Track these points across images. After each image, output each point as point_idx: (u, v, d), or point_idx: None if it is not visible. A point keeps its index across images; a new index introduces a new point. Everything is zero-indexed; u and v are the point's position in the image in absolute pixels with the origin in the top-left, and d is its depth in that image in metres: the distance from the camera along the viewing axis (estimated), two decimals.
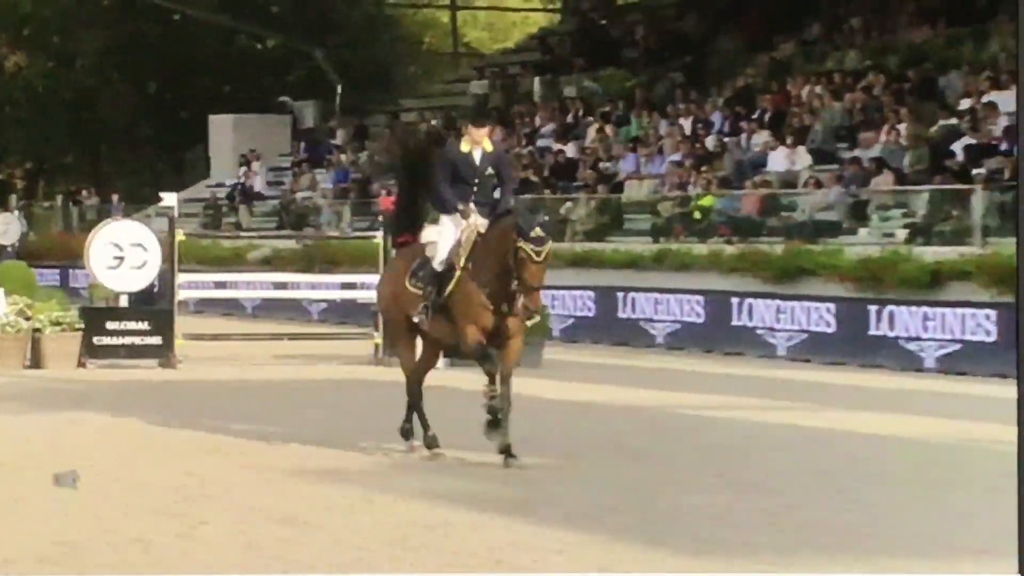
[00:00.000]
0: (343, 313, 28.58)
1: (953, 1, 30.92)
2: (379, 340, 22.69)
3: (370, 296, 24.00)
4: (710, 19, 36.46)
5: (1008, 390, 19.11)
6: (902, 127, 27.04)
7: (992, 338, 21.16)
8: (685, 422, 16.53)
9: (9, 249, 39.18)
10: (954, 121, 26.69)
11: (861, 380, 20.78)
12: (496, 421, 12.80)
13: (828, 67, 31.40)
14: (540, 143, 34.96)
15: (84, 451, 13.23)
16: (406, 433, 13.63)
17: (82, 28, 50.19)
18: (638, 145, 32.00)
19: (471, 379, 14.31)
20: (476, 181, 13.02)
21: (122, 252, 22.10)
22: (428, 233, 13.43)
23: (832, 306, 23.39)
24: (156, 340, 21.63)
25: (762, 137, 29.51)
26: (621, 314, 26.72)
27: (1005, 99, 26.24)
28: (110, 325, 21.65)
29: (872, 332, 22.64)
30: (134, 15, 48.91)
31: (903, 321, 22.26)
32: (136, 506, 10.77)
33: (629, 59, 37.44)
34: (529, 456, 13.49)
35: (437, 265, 13.03)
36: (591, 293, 27.34)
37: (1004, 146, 24.99)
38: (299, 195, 39.35)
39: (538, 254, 12.41)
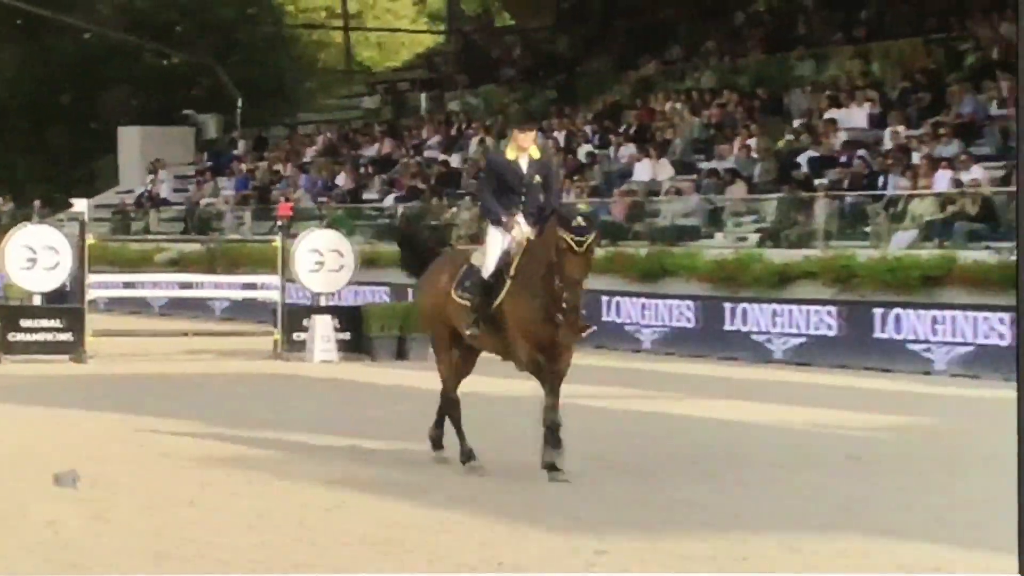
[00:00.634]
0: (244, 311, 28.32)
1: (795, 28, 31.29)
2: (278, 336, 22.59)
3: (269, 295, 24.05)
4: (580, 41, 36.62)
5: (849, 380, 19.54)
6: (753, 141, 27.30)
7: (834, 332, 21.45)
8: (567, 411, 16.49)
9: None
10: (801, 136, 27.04)
11: (719, 371, 20.97)
12: (557, 437, 11.35)
13: (687, 86, 31.64)
14: (427, 154, 34.90)
15: None
16: (436, 440, 12.33)
17: None
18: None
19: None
20: (523, 190, 11.46)
21: (35, 254, 21.79)
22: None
23: (692, 303, 23.57)
24: (68, 337, 21.41)
25: (628, 149, 29.66)
26: None
27: (843, 116, 26.66)
28: (24, 323, 21.40)
29: (728, 327, 22.85)
30: (48, 33, 48.20)
31: (755, 317, 22.50)
32: (49, 492, 10.60)
33: (507, 77, 37.51)
34: (417, 443, 13.45)
35: (486, 275, 11.50)
36: None
37: (843, 158, 25.35)
38: (203, 201, 38.95)
39: (580, 244, 10.72)
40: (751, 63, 31.05)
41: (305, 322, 22.50)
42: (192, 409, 15.70)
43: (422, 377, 19.85)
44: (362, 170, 35.51)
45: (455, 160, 33.70)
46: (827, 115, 26.86)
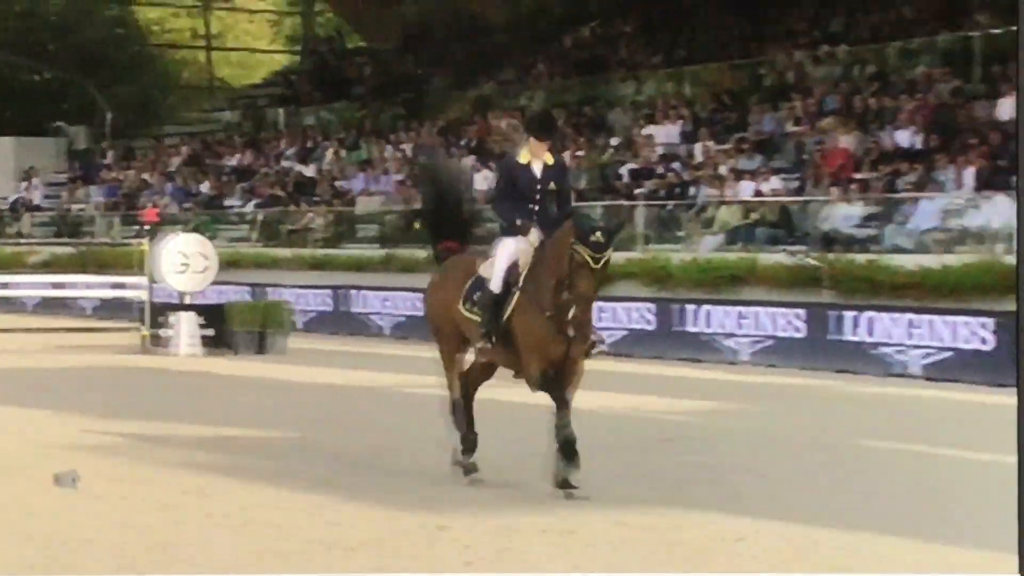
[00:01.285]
0: (114, 310, 27.89)
1: (617, 52, 31.61)
2: (146, 333, 22.31)
3: (136, 294, 23.74)
4: (424, 62, 36.58)
5: (663, 369, 19.78)
6: (580, 154, 27.54)
7: (651, 327, 21.74)
8: (410, 399, 16.54)
9: None
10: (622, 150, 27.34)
11: None
12: (573, 452, 9.93)
13: (520, 104, 31.74)
14: (284, 164, 34.62)
15: None
16: (467, 446, 10.75)
17: None
18: (367, 166, 31.96)
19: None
20: (537, 196, 10.12)
21: None
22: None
23: None
24: None
25: (468, 161, 29.71)
26: (354, 309, 26.66)
27: (658, 132, 27.00)
28: None
29: None
30: None
31: None
32: None
33: (358, 94, 37.33)
34: (277, 431, 13.42)
35: (494, 287, 10.08)
36: (328, 291, 27.23)
37: (659, 170, 25.69)
38: (74, 207, 38.24)
39: (596, 260, 9.38)
40: (577, 84, 31.28)
41: (171, 319, 22.26)
42: (63, 401, 15.41)
43: (281, 369, 19.87)
44: (223, 179, 35.12)
45: (310, 170, 33.49)
46: (644, 131, 27.20)
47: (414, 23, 37.93)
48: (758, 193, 23.11)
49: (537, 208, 10.09)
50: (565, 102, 30.55)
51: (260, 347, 22.32)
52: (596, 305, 22.92)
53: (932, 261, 19.45)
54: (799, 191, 22.91)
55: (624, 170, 26.29)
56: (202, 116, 43.89)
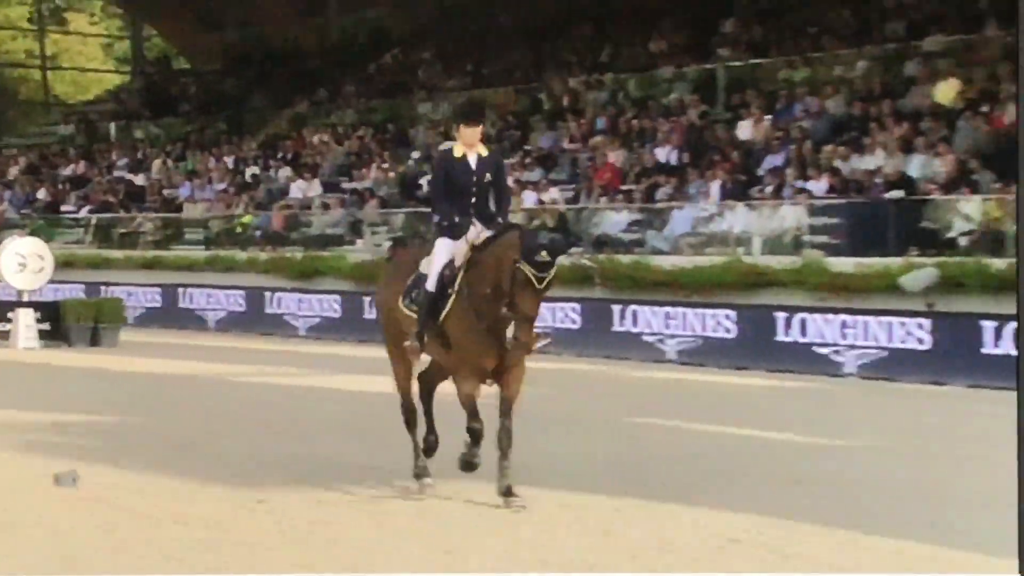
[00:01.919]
0: None
1: (416, 76, 31.75)
2: (6, 328, 21.80)
3: None
4: (244, 83, 36.15)
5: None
6: (385, 166, 27.61)
7: None
8: (236, 386, 16.44)
9: None
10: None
11: (359, 352, 20.86)
12: (471, 467, 8.93)
13: (332, 121, 31.65)
14: (116, 174, 33.83)
15: None
16: (426, 449, 9.39)
17: None
18: (193, 176, 31.47)
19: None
20: (474, 190, 8.80)
21: None
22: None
23: (338, 297, 23.75)
24: None
25: (286, 172, 29.53)
26: (181, 305, 26.28)
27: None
28: None
29: (366, 316, 22.96)
30: None
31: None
32: None
33: (184, 111, 36.71)
34: (111, 416, 13.20)
35: (430, 286, 8.79)
36: (158, 289, 26.79)
37: None
38: None
39: (540, 280, 8.15)
40: (381, 104, 31.29)
41: (10, 315, 21.77)
42: None
43: (113, 360, 19.53)
44: (60, 187, 34.17)
45: (140, 179, 32.90)
46: (441, 147, 27.29)
47: (235, 48, 37.49)
48: (540, 202, 23.52)
49: (475, 201, 8.83)
50: (371, 120, 30.59)
51: (94, 340, 21.97)
52: (360, 299, 21.99)
53: (686, 262, 19.99)
54: (575, 200, 23.40)
55: (424, 180, 26.37)
56: (40, 130, 42.56)
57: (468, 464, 8.90)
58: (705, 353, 18.31)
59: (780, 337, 17.53)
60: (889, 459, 10.86)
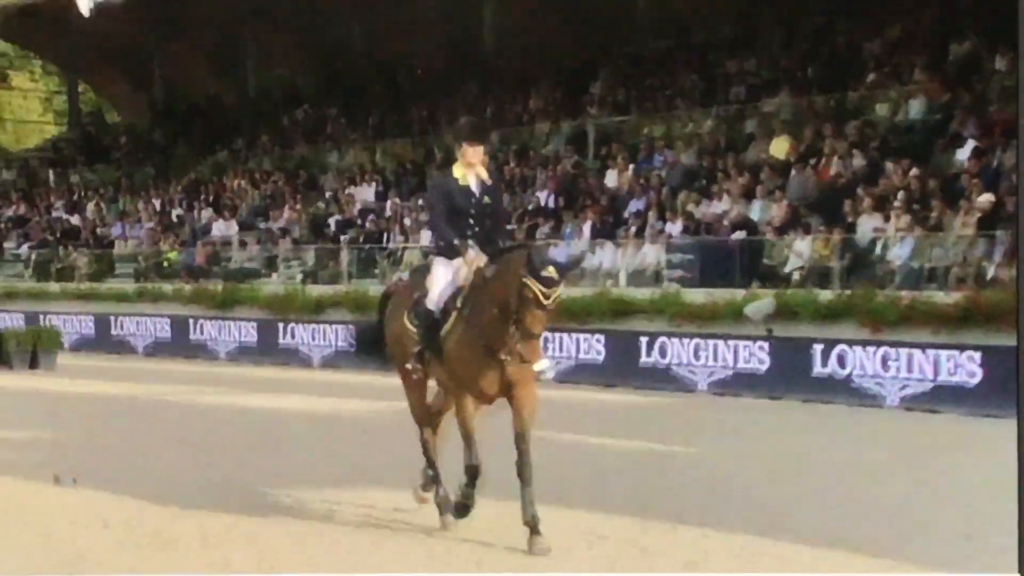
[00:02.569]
0: None
1: (325, 128, 31.65)
2: None
3: None
4: (170, 133, 35.68)
5: (366, 379, 19.80)
6: (297, 207, 27.45)
7: (355, 347, 21.74)
8: (160, 405, 16.23)
9: None
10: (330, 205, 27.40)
11: (274, 374, 20.77)
12: (465, 510, 7.77)
13: (250, 167, 31.39)
14: (54, 214, 33.12)
15: None
16: (426, 481, 8.31)
17: None
18: (124, 217, 30.97)
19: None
20: (473, 212, 7.65)
21: None
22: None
23: (255, 324, 23.54)
24: None
25: (208, 213, 29.21)
26: (114, 332, 25.83)
27: (358, 191, 27.15)
28: None
29: (281, 341, 22.82)
30: None
31: (300, 334, 22.60)
32: None
33: (115, 158, 36.11)
34: (57, 431, 12.93)
35: (431, 305, 7.65)
36: (92, 318, 26.30)
37: (359, 221, 25.83)
38: None
39: (547, 296, 7.11)
40: (295, 152, 31.17)
41: None
42: None
43: (51, 382, 19.13)
44: (2, 226, 33.38)
45: (76, 219, 32.29)
46: (348, 191, 27.32)
47: (161, 103, 37.08)
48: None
49: (473, 224, 7.66)
50: (284, 167, 30.40)
51: (33, 364, 21.50)
52: (309, 327, 22.12)
53: (562, 293, 20.14)
54: None
55: (332, 221, 26.35)
56: None
57: (462, 507, 7.72)
58: (578, 373, 18.39)
59: (643, 359, 17.80)
60: (733, 463, 11.12)
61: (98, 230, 30.94)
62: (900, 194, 17.75)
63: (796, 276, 17.89)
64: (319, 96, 33.11)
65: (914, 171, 18.11)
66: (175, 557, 7.43)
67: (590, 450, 11.90)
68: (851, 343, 15.61)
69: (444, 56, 30.27)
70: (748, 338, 16.81)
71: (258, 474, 10.35)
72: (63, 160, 37.56)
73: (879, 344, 15.39)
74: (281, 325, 22.98)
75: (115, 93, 39.65)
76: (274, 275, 25.54)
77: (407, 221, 24.58)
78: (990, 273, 15.92)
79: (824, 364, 15.80)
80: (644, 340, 17.81)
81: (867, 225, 17.71)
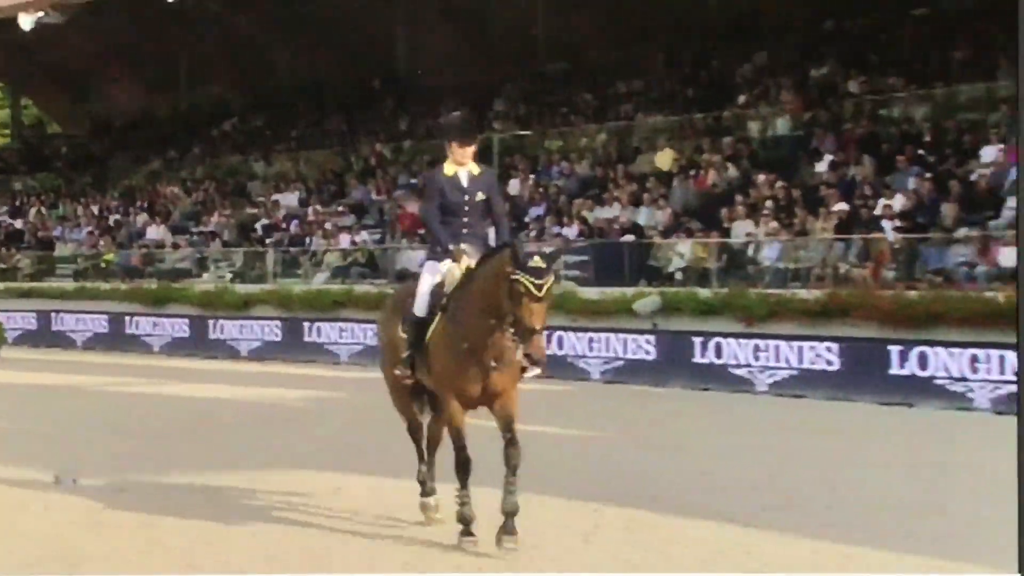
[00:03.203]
0: None
1: (254, 140, 31.20)
2: None
3: None
4: (108, 144, 34.87)
5: (290, 368, 19.60)
6: (227, 213, 27.01)
7: (279, 339, 21.48)
8: (101, 395, 15.86)
9: None
10: (259, 210, 27.03)
11: (204, 365, 20.49)
12: (467, 530, 6.85)
13: (183, 176, 30.81)
14: None
15: None
16: (422, 484, 7.62)
17: None
18: (64, 221, 30.19)
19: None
20: (466, 208, 6.83)
21: None
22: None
23: (187, 321, 23.07)
24: None
25: (143, 218, 28.60)
26: (54, 328, 25.20)
27: (284, 198, 26.83)
28: None
29: (211, 336, 22.39)
30: None
31: (229, 329, 22.21)
32: None
33: (57, 167, 35.15)
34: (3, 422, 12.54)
35: (417, 310, 6.89)
36: (34, 314, 25.66)
37: (284, 225, 25.51)
38: None
39: (538, 288, 6.23)
40: (225, 162, 30.68)
41: None
42: None
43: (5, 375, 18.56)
44: None
45: (19, 223, 31.36)
46: (273, 197, 26.98)
47: (99, 116, 36.24)
48: (353, 243, 23.42)
49: (467, 220, 6.85)
50: (214, 175, 29.91)
51: None
52: (238, 323, 21.80)
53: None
54: (381, 241, 23.39)
55: (259, 225, 26.00)
56: None
57: (463, 518, 6.87)
58: None
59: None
60: (623, 445, 11.23)
61: (40, 233, 30.11)
62: (769, 202, 18.16)
63: (679, 275, 18.16)
64: (247, 110, 32.66)
65: (780, 182, 18.53)
66: (104, 537, 7.24)
67: (491, 432, 11.89)
68: (726, 335, 15.89)
69: (362, 74, 30.09)
70: (636, 331, 17.02)
71: (190, 456, 10.16)
72: (6, 168, 36.48)
73: (751, 336, 15.70)
74: (211, 321, 22.63)
75: (56, 107, 38.66)
76: (205, 275, 25.12)
77: (328, 225, 24.37)
78: (845, 271, 16.37)
79: (703, 354, 16.05)
80: (544, 334, 17.83)
81: (740, 230, 18.06)
